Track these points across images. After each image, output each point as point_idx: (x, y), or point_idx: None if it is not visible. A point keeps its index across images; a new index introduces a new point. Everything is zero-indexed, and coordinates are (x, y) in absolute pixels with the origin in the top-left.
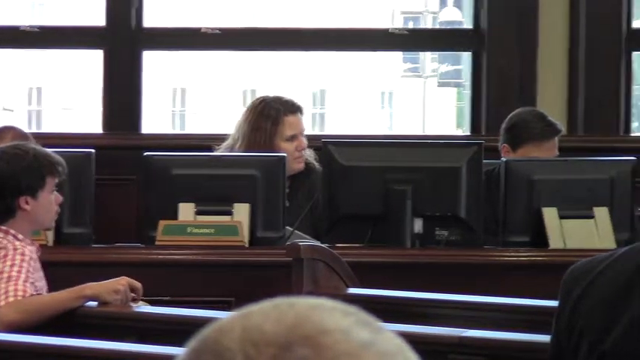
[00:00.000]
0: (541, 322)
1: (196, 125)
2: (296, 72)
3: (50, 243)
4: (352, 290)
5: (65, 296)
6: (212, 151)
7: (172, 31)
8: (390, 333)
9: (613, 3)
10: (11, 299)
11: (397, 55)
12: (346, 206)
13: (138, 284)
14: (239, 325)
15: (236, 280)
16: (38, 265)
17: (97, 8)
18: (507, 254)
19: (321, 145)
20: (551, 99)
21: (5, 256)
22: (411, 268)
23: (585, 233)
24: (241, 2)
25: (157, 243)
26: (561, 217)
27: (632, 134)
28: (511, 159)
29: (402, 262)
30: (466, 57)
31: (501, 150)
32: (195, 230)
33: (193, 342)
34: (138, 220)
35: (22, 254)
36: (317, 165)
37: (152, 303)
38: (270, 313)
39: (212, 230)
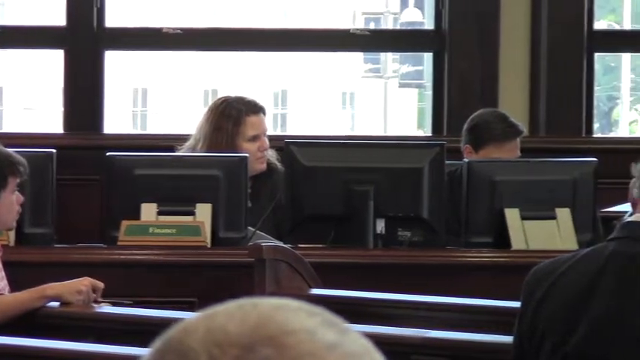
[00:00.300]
0: (504, 322)
1: (158, 125)
2: (257, 72)
3: (11, 243)
4: (315, 291)
5: (27, 296)
6: (174, 152)
7: (134, 31)
8: (356, 334)
9: (574, 4)
10: None
11: (358, 56)
12: (309, 207)
13: (100, 284)
14: (203, 325)
15: (198, 281)
16: (0, 265)
17: (58, 8)
18: (470, 255)
19: (283, 145)
20: (513, 100)
21: None
22: (373, 268)
23: (547, 234)
24: (203, 2)
25: (119, 243)
26: (523, 218)
27: (593, 135)
28: (473, 160)
29: (364, 262)
30: (427, 58)
31: (464, 151)
32: (158, 230)
33: (158, 342)
34: (100, 220)
35: None
36: (279, 165)
37: (114, 305)
38: (235, 313)
39: (174, 230)
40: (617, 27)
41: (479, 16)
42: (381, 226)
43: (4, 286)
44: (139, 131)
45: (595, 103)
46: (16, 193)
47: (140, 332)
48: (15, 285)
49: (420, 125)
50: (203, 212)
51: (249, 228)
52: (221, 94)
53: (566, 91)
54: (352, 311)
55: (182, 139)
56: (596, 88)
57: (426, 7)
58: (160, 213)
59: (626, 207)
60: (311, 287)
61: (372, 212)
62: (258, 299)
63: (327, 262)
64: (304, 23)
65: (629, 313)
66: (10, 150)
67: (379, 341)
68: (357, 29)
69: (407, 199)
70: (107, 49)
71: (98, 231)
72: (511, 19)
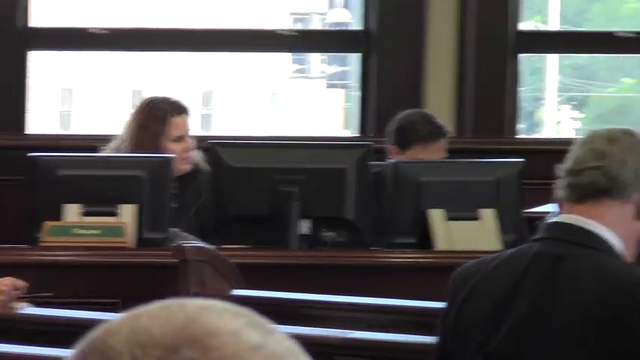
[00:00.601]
0: (426, 323)
1: (83, 126)
2: (184, 72)
3: None
4: (239, 292)
5: None
6: (98, 152)
7: (59, 31)
8: (281, 335)
9: (501, 5)
10: None
11: (286, 56)
12: (233, 207)
13: (22, 283)
14: (127, 326)
15: (122, 282)
16: None
17: None
18: (393, 255)
19: (208, 146)
20: (440, 100)
21: None
22: (297, 269)
23: (472, 235)
24: (129, 2)
25: (42, 244)
26: (448, 219)
27: (519, 136)
28: (399, 160)
29: (287, 263)
30: (354, 58)
31: (389, 151)
32: (81, 231)
33: (81, 343)
34: (23, 221)
35: None
36: (204, 166)
37: (35, 301)
38: (159, 314)
39: (98, 231)
40: (543, 28)
41: (406, 16)
42: (306, 226)
43: None
44: (63, 132)
45: (521, 103)
46: None
47: (63, 333)
48: None
49: (347, 126)
50: (127, 213)
51: (174, 229)
52: (147, 95)
53: (492, 91)
54: (275, 312)
55: (107, 139)
56: (522, 88)
57: (354, 8)
58: (83, 214)
59: (550, 207)
60: (235, 288)
61: (297, 213)
62: (183, 300)
63: (251, 262)
64: (232, 23)
65: (551, 314)
66: None
67: (301, 342)
68: (285, 29)
69: (332, 200)
70: (32, 49)
71: (22, 232)
72: (438, 20)
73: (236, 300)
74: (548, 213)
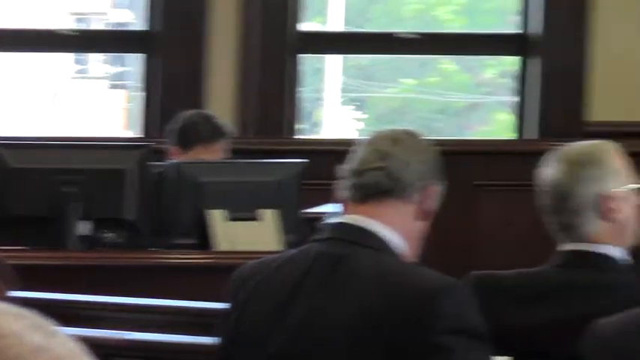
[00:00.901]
0: (204, 324)
1: None
2: None
3: None
4: (15, 293)
5: None
6: None
7: None
8: (64, 337)
9: (282, 6)
10: None
11: (67, 57)
12: (13, 208)
13: None
14: None
15: None
16: None
17: None
18: (172, 256)
19: None
20: (222, 101)
21: None
22: (75, 270)
23: (253, 235)
24: None
25: None
26: (229, 219)
27: (300, 136)
28: (180, 161)
29: (66, 264)
30: (137, 59)
31: (170, 152)
32: None
33: None
34: None
35: None
36: None
37: None
38: None
39: None
40: (322, 29)
41: (189, 17)
42: (86, 227)
43: None
44: None
45: (302, 104)
46: None
47: None
48: None
49: (130, 127)
50: None
51: None
52: None
53: (274, 92)
54: (54, 313)
55: None
56: (303, 89)
57: (137, 9)
58: None
59: (330, 208)
60: (12, 289)
61: (77, 214)
62: None
63: (29, 264)
64: (10, 23)
65: (331, 315)
66: None
67: (81, 343)
68: (65, 29)
69: (112, 201)
70: None
71: None
72: (221, 22)
73: (14, 301)
74: (327, 213)
